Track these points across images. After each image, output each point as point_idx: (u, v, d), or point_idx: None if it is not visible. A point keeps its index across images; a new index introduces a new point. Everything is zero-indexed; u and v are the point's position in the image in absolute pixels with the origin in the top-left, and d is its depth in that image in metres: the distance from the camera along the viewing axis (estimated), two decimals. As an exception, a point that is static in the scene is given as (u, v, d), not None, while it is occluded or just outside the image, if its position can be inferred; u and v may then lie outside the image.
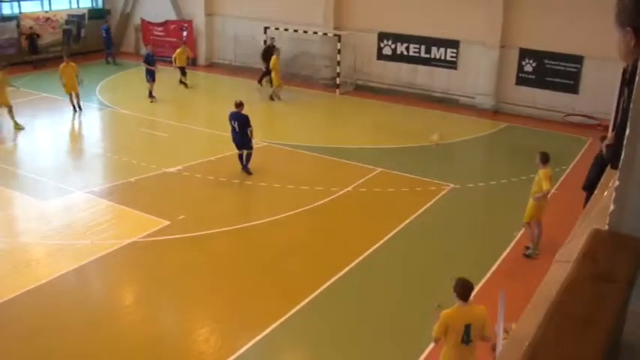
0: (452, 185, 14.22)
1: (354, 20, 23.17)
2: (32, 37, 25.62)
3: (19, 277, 9.91)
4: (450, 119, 20.19)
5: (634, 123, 1.61)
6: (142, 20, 27.92)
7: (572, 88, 19.80)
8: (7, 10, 25.43)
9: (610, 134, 7.93)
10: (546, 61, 20.03)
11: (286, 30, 23.36)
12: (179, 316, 9.43)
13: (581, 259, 1.56)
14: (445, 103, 21.71)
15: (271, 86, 21.89)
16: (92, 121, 19.73)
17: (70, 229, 11.70)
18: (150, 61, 21.01)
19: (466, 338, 6.51)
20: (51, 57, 25.30)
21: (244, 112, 14.41)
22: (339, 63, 22.80)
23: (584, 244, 1.64)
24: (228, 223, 12.13)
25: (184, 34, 26.38)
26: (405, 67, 22.58)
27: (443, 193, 13.84)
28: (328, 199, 13.37)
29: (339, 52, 22.56)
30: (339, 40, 22.47)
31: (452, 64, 21.73)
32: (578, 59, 19.46)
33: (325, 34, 23.04)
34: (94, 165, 15.86)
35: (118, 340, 8.58)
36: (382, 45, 22.88)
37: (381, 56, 23.02)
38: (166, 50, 25.64)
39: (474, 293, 6.88)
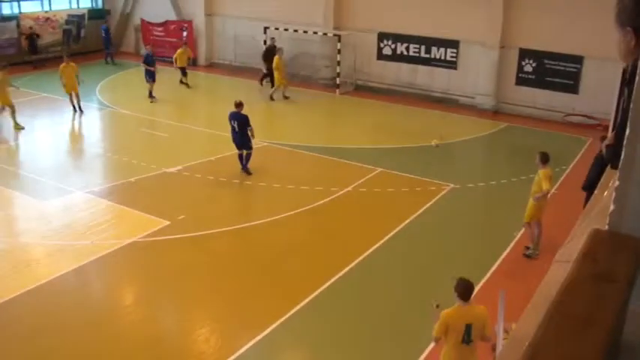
0: (452, 185, 14.21)
1: (354, 20, 23.17)
2: (32, 37, 25.62)
3: (19, 277, 9.91)
4: (449, 119, 20.19)
5: (634, 123, 1.61)
6: (142, 20, 27.91)
7: (572, 88, 19.80)
8: (7, 10, 25.44)
9: (610, 134, 7.92)
10: (546, 61, 20.03)
11: (286, 30, 23.36)
12: (179, 316, 9.43)
13: (581, 259, 1.56)
14: (445, 103, 21.70)
15: (272, 86, 21.91)
16: (92, 121, 19.73)
17: (70, 229, 11.70)
18: (149, 61, 21.00)
19: (467, 338, 6.51)
20: (51, 57, 25.31)
21: (244, 112, 14.42)
22: (339, 63, 22.80)
23: (584, 244, 1.64)
24: (228, 223, 12.13)
25: (184, 34, 26.39)
26: (404, 67, 22.58)
27: (443, 193, 13.84)
28: (328, 199, 13.37)
29: (339, 52, 22.56)
30: (339, 40, 22.47)
31: (452, 64, 21.73)
32: (578, 59, 19.46)
33: (325, 34, 23.04)
34: (94, 165, 15.87)
35: (118, 340, 8.58)
36: (382, 45, 22.88)
37: (381, 56, 23.01)
38: (166, 50, 25.65)
39: (474, 293, 6.88)
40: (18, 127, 17.61)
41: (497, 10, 20.22)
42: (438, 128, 18.05)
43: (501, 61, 20.60)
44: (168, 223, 11.93)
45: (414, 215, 12.65)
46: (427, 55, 22.08)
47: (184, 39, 25.57)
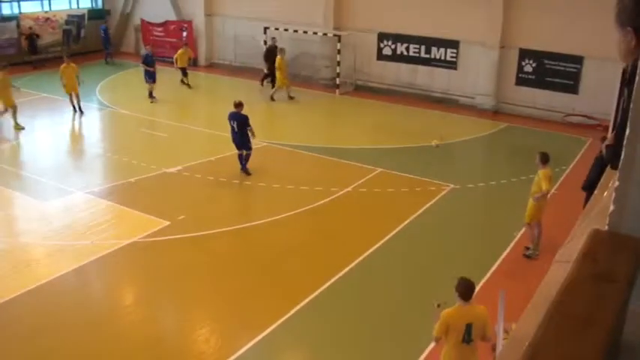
0: (452, 185, 14.21)
1: (354, 20, 23.17)
2: (32, 38, 25.61)
3: (19, 277, 9.91)
4: (449, 119, 20.19)
5: (634, 123, 1.61)
6: (142, 20, 27.91)
7: (572, 89, 19.80)
8: (6, 10, 25.43)
9: (610, 134, 7.92)
10: (546, 62, 20.03)
11: (286, 30, 23.36)
12: (179, 316, 9.43)
13: (581, 259, 1.56)
14: (445, 103, 21.70)
15: (272, 87, 21.90)
16: (92, 121, 19.72)
17: (70, 230, 11.70)
18: (149, 61, 20.98)
19: (467, 338, 6.51)
20: (51, 57, 25.30)
21: (244, 112, 14.42)
22: (339, 63, 22.80)
23: (584, 244, 1.64)
24: (228, 223, 12.13)
25: (184, 34, 26.39)
26: (404, 68, 22.58)
27: (443, 193, 13.84)
28: (328, 199, 13.37)
29: (339, 52, 22.56)
30: (339, 41, 22.47)
31: (452, 65, 21.73)
32: (578, 59, 19.46)
33: (325, 34, 23.04)
34: (94, 165, 15.87)
35: (118, 340, 8.58)
36: (382, 45, 22.87)
37: (380, 56, 23.01)
38: (166, 51, 25.66)
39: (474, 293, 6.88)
40: (18, 128, 17.61)
41: (497, 10, 20.22)
42: (438, 128, 18.06)
43: (501, 61, 20.60)
44: (168, 223, 11.93)
45: (414, 215, 12.65)
46: (427, 56, 22.07)
47: (185, 39, 25.56)
